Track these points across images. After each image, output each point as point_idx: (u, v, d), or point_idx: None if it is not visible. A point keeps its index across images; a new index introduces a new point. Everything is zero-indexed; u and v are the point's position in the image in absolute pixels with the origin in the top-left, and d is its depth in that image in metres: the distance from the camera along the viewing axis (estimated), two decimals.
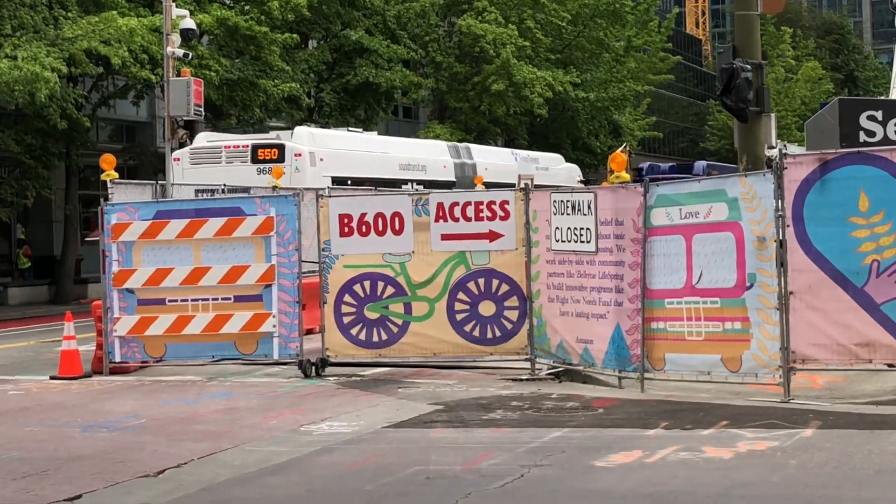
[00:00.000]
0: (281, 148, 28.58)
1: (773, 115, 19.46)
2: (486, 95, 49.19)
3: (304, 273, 18.05)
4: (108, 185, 19.64)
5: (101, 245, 18.40)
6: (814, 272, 13.59)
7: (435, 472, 10.69)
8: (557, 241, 16.38)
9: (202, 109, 31.02)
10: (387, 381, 16.87)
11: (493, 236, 17.09)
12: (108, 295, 18.18)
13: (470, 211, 17.11)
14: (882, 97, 42.93)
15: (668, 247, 14.93)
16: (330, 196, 18.14)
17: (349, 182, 29.11)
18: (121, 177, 21.40)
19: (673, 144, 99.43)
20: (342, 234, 17.48)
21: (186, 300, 17.96)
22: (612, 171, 16.05)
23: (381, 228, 17.33)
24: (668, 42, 67.29)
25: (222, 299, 17.87)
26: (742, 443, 11.38)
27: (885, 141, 16.41)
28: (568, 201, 16.21)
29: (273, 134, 30.35)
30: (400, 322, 17.38)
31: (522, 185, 19.07)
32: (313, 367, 17.47)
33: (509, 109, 49.72)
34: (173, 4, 31.31)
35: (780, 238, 13.69)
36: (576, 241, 16.05)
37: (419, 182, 32.96)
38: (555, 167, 42.50)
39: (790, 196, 13.68)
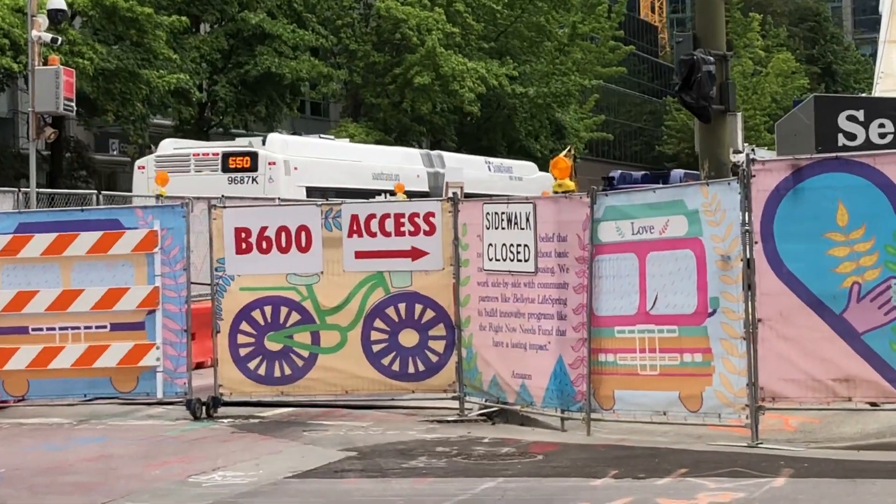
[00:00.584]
0: (254, 156, 30.94)
1: (739, 115, 19.72)
2: (409, 90, 49.37)
3: (194, 297, 17.93)
4: None
5: None
6: (786, 296, 13.69)
7: None
8: (491, 259, 16.42)
9: (73, 104, 30.69)
10: (290, 423, 16.82)
11: (416, 254, 17.08)
12: None
13: (389, 225, 17.09)
14: (864, 94, 43.57)
15: (619, 267, 15.01)
16: (224, 207, 18.05)
17: (329, 195, 30.44)
18: None
19: (625, 147, 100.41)
20: (239, 252, 17.39)
21: (54, 328, 17.74)
22: (554, 179, 16.14)
23: (284, 245, 17.27)
24: (619, 29, 68.02)
25: (96, 328, 17.69)
26: (703, 494, 11.44)
27: (868, 145, 16.62)
28: (503, 213, 16.25)
29: (245, 141, 33.00)
30: (306, 354, 17.31)
31: (450, 195, 19.14)
32: (204, 408, 17.36)
33: (435, 106, 49.95)
34: None
35: (748, 257, 13.80)
36: (512, 260, 16.10)
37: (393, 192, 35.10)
38: (528, 176, 44.42)
39: (759, 208, 13.81)
